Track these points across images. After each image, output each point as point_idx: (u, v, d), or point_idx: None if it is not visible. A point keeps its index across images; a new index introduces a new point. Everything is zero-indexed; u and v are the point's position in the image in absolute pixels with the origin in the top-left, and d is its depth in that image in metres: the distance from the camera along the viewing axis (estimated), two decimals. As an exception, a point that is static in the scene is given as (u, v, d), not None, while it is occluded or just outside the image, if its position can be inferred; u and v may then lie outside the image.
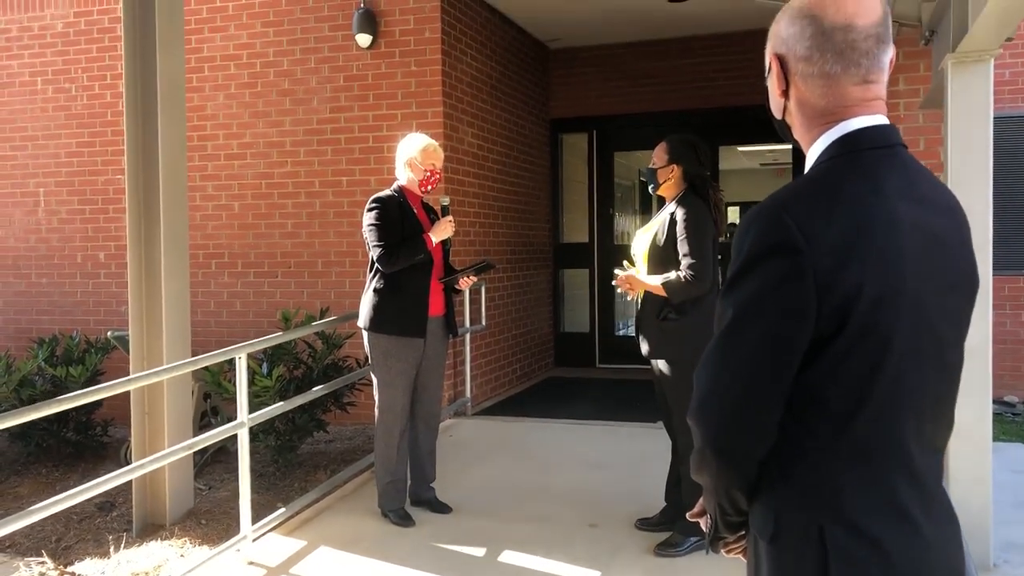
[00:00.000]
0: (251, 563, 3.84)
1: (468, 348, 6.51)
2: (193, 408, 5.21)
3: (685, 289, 3.58)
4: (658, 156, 3.82)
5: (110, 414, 6.07)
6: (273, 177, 6.82)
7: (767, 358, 1.23)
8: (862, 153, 1.29)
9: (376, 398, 4.18)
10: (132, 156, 4.60)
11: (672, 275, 3.61)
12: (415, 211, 4.18)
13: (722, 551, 1.46)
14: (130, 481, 4.28)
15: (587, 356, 8.90)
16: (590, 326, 8.99)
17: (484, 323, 6.76)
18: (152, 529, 4.53)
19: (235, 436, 4.07)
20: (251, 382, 4.48)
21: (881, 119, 1.32)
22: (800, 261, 1.19)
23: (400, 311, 4.08)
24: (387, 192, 4.19)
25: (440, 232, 4.13)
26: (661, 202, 3.95)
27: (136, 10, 4.54)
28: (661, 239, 3.69)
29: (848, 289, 1.19)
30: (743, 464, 1.29)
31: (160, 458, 3.79)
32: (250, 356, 4.25)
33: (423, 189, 4.20)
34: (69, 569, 4.20)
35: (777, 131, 1.46)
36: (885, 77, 1.33)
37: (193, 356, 4.60)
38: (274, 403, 4.64)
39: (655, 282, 3.64)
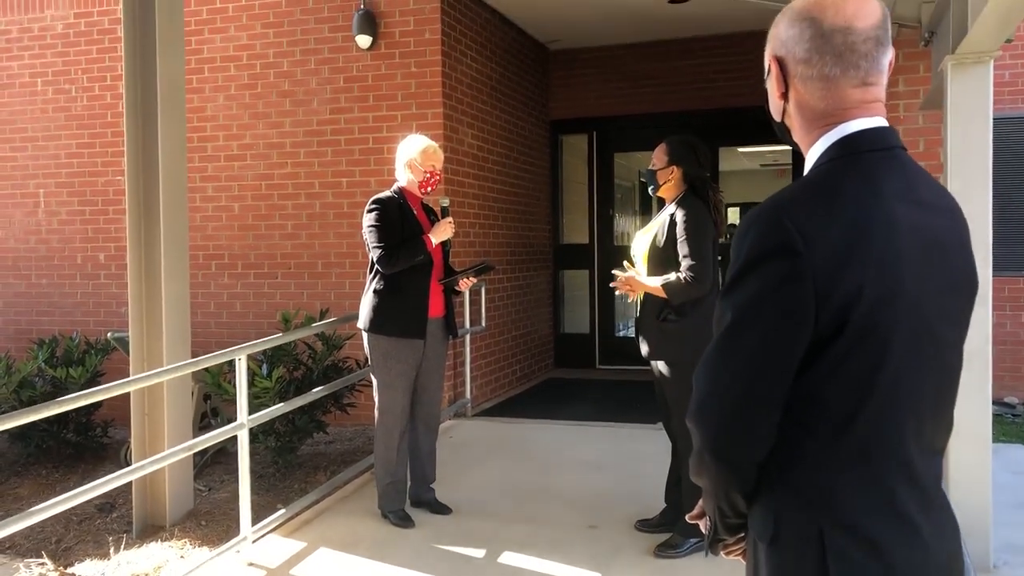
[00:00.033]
0: (251, 564, 3.84)
1: (468, 349, 6.51)
2: (193, 409, 5.21)
3: (685, 290, 3.58)
4: (658, 157, 3.82)
5: (110, 415, 6.07)
6: (273, 178, 6.83)
7: (766, 360, 1.23)
8: (861, 155, 1.29)
9: (376, 399, 4.18)
10: (132, 157, 4.60)
11: (672, 276, 3.61)
12: (415, 212, 4.18)
13: (721, 553, 1.46)
14: (130, 482, 4.28)
15: (587, 357, 8.90)
16: (590, 327, 8.99)
17: (484, 324, 6.76)
18: (152, 530, 4.53)
19: (235, 437, 4.07)
20: (251, 383, 4.48)
21: (880, 121, 1.32)
22: (799, 263, 1.19)
23: (400, 312, 4.08)
24: (387, 193, 4.19)
25: (440, 233, 4.13)
26: (661, 203, 3.95)
27: (136, 11, 4.55)
28: (661, 240, 3.69)
29: (847, 291, 1.19)
30: (742, 467, 1.29)
31: (160, 459, 3.79)
32: (250, 357, 4.25)
33: (423, 190, 4.21)
34: (69, 570, 4.20)
35: (776, 133, 1.46)
36: (884, 79, 1.33)
37: (193, 357, 4.60)
38: (274, 404, 4.64)
39: (655, 283, 3.64)
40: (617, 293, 3.82)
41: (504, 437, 5.91)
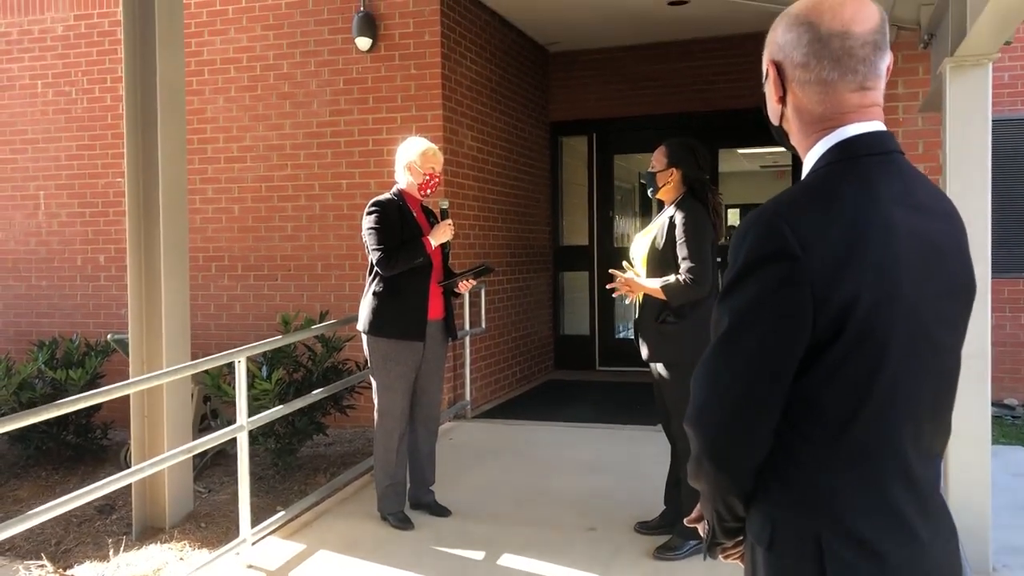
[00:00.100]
0: (250, 566, 3.84)
1: (468, 351, 6.51)
2: (193, 411, 5.21)
3: (684, 292, 3.58)
4: (657, 160, 3.82)
5: (110, 417, 6.07)
6: (273, 180, 6.83)
7: (764, 365, 1.23)
8: (859, 160, 1.29)
9: (375, 401, 4.18)
10: (132, 160, 4.60)
11: (671, 278, 3.61)
12: (414, 215, 4.19)
13: (720, 557, 1.46)
14: (130, 484, 4.28)
15: (587, 359, 8.90)
16: (590, 329, 8.99)
17: (484, 326, 6.77)
18: (152, 532, 4.53)
19: (235, 439, 4.07)
20: (251, 385, 4.48)
21: (878, 125, 1.32)
22: (797, 268, 1.19)
23: (399, 314, 4.08)
24: (386, 196, 4.19)
25: (439, 235, 4.13)
26: (660, 205, 3.95)
27: (136, 13, 4.55)
28: (660, 242, 3.70)
29: (844, 296, 1.19)
30: (740, 471, 1.29)
31: (160, 461, 3.79)
32: (250, 359, 4.25)
33: (422, 193, 4.21)
34: (68, 572, 4.20)
35: (774, 137, 1.46)
36: (882, 84, 1.33)
37: (193, 359, 4.60)
38: (273, 406, 4.64)
39: (654, 285, 3.65)
40: (615, 295, 3.82)
41: (504, 439, 5.91)
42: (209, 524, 4.63)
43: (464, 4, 6.80)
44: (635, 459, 5.24)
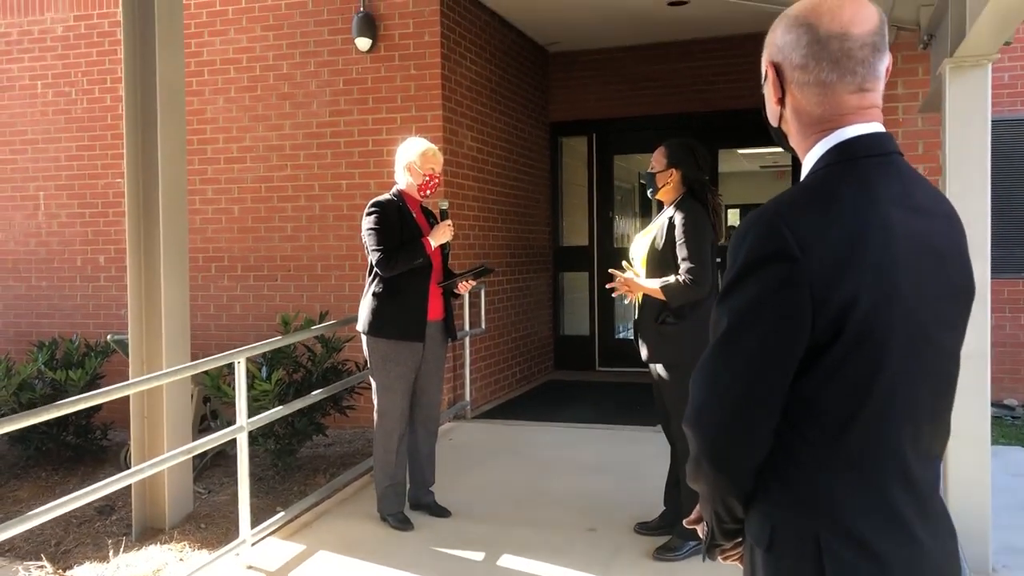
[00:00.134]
0: (250, 567, 3.84)
1: (468, 351, 6.51)
2: (192, 412, 5.21)
3: (684, 293, 3.58)
4: (657, 160, 3.82)
5: (110, 418, 6.07)
6: (273, 180, 6.83)
7: (765, 362, 1.23)
8: (858, 161, 1.29)
9: (375, 402, 4.18)
10: (132, 160, 4.60)
11: (671, 279, 3.61)
12: (414, 215, 4.19)
13: (719, 558, 1.46)
14: (129, 485, 4.28)
15: (587, 359, 8.90)
16: (590, 329, 8.99)
17: (484, 326, 6.77)
18: (151, 533, 4.53)
19: (234, 440, 4.07)
20: (250, 386, 4.48)
21: (877, 127, 1.32)
22: (796, 269, 1.19)
23: (399, 315, 4.08)
24: (386, 196, 4.19)
25: (439, 236, 4.13)
26: (660, 206, 3.95)
27: (136, 14, 4.55)
28: (660, 243, 3.70)
29: (843, 298, 1.19)
30: (739, 472, 1.29)
31: (159, 462, 3.79)
32: (249, 360, 4.25)
33: (422, 193, 4.21)
34: (68, 573, 4.21)
35: (773, 138, 1.46)
36: (881, 85, 1.33)
37: (192, 360, 4.60)
38: (273, 407, 4.64)
39: (653, 285, 3.65)
40: (614, 294, 3.82)
41: (503, 439, 5.91)
42: (209, 525, 4.63)
43: (464, 4, 6.80)
44: (635, 460, 5.24)
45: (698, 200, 3.74)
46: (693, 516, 1.50)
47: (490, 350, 7.17)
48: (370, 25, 6.44)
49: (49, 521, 3.72)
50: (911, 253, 1.24)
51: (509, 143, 7.74)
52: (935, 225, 1.30)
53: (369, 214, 4.09)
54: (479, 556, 3.89)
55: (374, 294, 4.10)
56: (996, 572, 3.60)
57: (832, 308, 1.19)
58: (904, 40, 4.86)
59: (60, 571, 4.25)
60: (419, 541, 4.05)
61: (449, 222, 4.19)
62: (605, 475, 5.00)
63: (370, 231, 4.05)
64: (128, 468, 4.37)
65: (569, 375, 8.61)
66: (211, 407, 5.64)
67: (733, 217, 13.89)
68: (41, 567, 4.29)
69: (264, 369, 5.11)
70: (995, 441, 4.51)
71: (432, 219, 4.28)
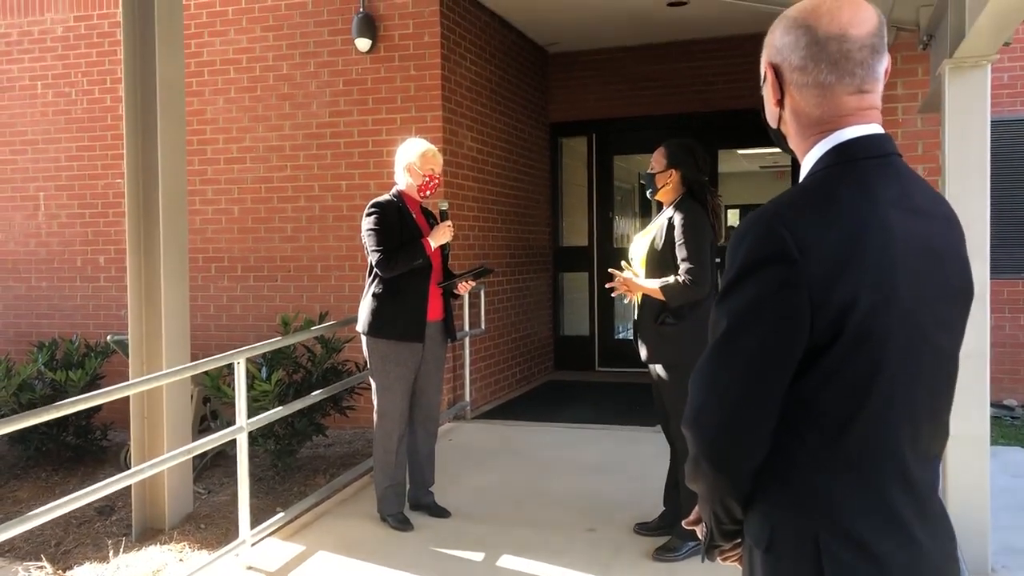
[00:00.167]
0: (250, 568, 3.84)
1: (468, 352, 6.51)
2: (192, 412, 5.22)
3: (683, 293, 3.58)
4: (656, 161, 3.83)
5: (110, 418, 6.07)
6: (272, 181, 6.83)
7: (765, 363, 1.23)
8: (856, 163, 1.29)
9: (375, 402, 4.19)
10: (132, 160, 4.61)
11: (670, 279, 3.61)
12: (414, 216, 4.19)
13: (718, 559, 1.46)
14: (129, 485, 4.28)
15: (586, 360, 8.90)
16: (589, 330, 9.00)
17: (483, 327, 6.77)
18: (151, 533, 4.53)
19: (234, 440, 4.07)
20: (250, 386, 4.49)
21: (876, 128, 1.32)
22: (794, 271, 1.19)
23: (399, 316, 4.08)
24: (386, 197, 4.20)
25: (439, 237, 4.14)
26: (660, 206, 3.95)
27: (136, 14, 4.55)
28: (659, 244, 3.70)
29: (842, 299, 1.19)
30: (738, 473, 1.29)
31: (159, 463, 3.79)
32: (249, 360, 4.25)
33: (422, 194, 4.21)
34: (68, 574, 4.21)
35: (773, 140, 1.47)
36: (880, 87, 1.33)
37: (192, 360, 4.60)
38: (273, 407, 4.64)
39: (652, 285, 3.65)
40: (614, 294, 3.82)
41: (503, 440, 5.91)
42: (209, 525, 4.63)
43: (464, 5, 6.80)
44: (634, 460, 5.24)
45: (697, 201, 3.74)
46: (692, 517, 1.50)
47: (490, 350, 7.17)
48: (370, 26, 6.44)
49: (49, 521, 3.72)
50: (910, 255, 1.24)
51: (509, 144, 7.74)
52: (934, 227, 1.30)
53: (369, 215, 4.09)
54: (479, 556, 3.89)
55: (374, 295, 4.11)
56: (995, 572, 3.60)
57: (831, 309, 1.20)
58: (903, 41, 4.87)
59: (60, 571, 4.25)
60: (419, 542, 4.05)
61: (449, 223, 4.19)
62: (605, 475, 5.01)
63: (370, 232, 4.06)
64: (128, 468, 4.37)
65: (569, 375, 8.61)
66: (211, 407, 5.64)
67: (733, 217, 13.89)
68: (41, 567, 4.29)
69: (264, 369, 5.12)
70: (994, 441, 4.52)
71: (432, 220, 4.28)
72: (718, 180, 8.42)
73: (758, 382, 1.24)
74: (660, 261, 3.68)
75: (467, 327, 6.38)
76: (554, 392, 7.80)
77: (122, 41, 4.61)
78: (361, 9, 6.46)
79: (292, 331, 5.27)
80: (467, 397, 6.53)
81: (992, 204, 3.61)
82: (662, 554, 3.76)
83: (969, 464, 3.53)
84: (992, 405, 4.98)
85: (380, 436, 4.17)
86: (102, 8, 7.33)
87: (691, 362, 1.41)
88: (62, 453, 5.95)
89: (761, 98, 1.43)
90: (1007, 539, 3.83)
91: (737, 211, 14.20)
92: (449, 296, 4.33)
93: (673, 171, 3.77)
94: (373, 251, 4.04)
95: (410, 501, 4.36)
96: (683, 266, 3.58)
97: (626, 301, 3.89)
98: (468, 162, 6.85)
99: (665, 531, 3.90)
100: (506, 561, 3.82)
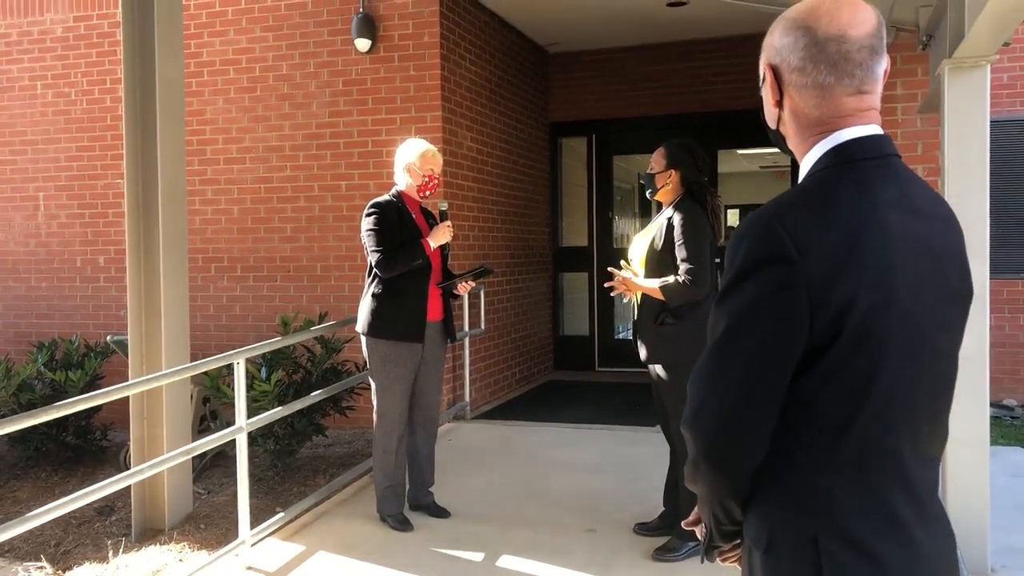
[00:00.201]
0: (249, 568, 3.84)
1: (467, 352, 6.51)
2: (192, 413, 5.21)
3: (683, 293, 3.58)
4: (656, 161, 3.83)
5: (109, 418, 6.07)
6: (272, 181, 6.83)
7: (764, 364, 1.24)
8: (855, 163, 1.29)
9: (374, 403, 4.19)
10: (131, 160, 4.61)
11: (670, 279, 3.61)
12: (413, 216, 4.19)
13: (717, 560, 1.46)
14: (129, 486, 4.28)
15: (586, 360, 8.90)
16: (589, 330, 9.00)
17: (483, 327, 6.77)
18: (151, 534, 4.53)
19: (234, 440, 4.07)
20: (250, 387, 4.49)
21: (875, 129, 1.32)
22: (793, 272, 1.20)
23: (398, 316, 4.08)
24: (385, 197, 4.20)
25: (438, 237, 4.14)
26: (659, 207, 3.95)
27: (135, 14, 4.55)
28: (659, 244, 3.70)
29: (841, 300, 1.20)
30: (737, 474, 1.29)
31: (159, 463, 3.79)
32: (249, 361, 4.25)
33: (421, 194, 4.21)
34: (68, 574, 4.21)
35: (772, 140, 1.47)
36: (879, 87, 1.33)
37: (192, 360, 4.60)
38: (273, 408, 4.64)
39: (652, 285, 3.65)
40: (613, 293, 3.82)
41: (503, 440, 5.91)
42: (208, 525, 4.63)
43: (464, 5, 6.80)
44: (634, 460, 5.24)
45: (697, 201, 3.74)
46: (691, 517, 1.51)
47: (490, 350, 7.17)
48: (370, 26, 6.44)
49: (49, 522, 3.72)
50: (909, 255, 1.24)
51: (509, 144, 7.74)
52: (933, 227, 1.30)
53: (368, 215, 4.09)
54: (479, 556, 3.89)
55: (373, 295, 4.11)
56: (995, 572, 3.60)
57: (830, 310, 1.20)
58: (903, 41, 4.87)
59: (60, 571, 4.25)
60: (419, 542, 4.05)
61: (448, 223, 4.19)
62: (605, 475, 5.01)
63: (369, 232, 4.06)
64: (128, 469, 4.37)
65: (569, 375, 8.61)
66: (211, 408, 5.64)
67: (732, 218, 13.90)
68: (41, 568, 4.29)
69: (263, 370, 5.12)
70: (994, 441, 4.52)
71: (431, 220, 4.28)
72: (718, 180, 8.42)
73: (757, 383, 1.24)
74: (660, 261, 3.68)
75: (467, 327, 6.38)
76: (554, 392, 7.80)
77: (122, 41, 4.61)
78: (361, 9, 6.46)
79: (292, 331, 5.27)
80: (467, 397, 6.53)
81: (992, 204, 3.61)
82: (662, 554, 3.76)
83: (969, 464, 3.53)
84: (992, 405, 4.99)
85: (380, 436, 4.17)
86: (102, 8, 7.34)
87: (691, 362, 1.41)
88: (62, 453, 5.95)
89: (760, 98, 1.43)
90: (1006, 539, 3.83)
91: (737, 211, 14.21)
92: (449, 296, 4.33)
93: (673, 171, 3.77)
94: (373, 251, 4.04)
95: (410, 501, 4.36)
96: (683, 266, 3.58)
97: (625, 300, 3.89)
98: (468, 162, 6.85)
99: (665, 531, 3.90)
100: (506, 561, 3.82)
